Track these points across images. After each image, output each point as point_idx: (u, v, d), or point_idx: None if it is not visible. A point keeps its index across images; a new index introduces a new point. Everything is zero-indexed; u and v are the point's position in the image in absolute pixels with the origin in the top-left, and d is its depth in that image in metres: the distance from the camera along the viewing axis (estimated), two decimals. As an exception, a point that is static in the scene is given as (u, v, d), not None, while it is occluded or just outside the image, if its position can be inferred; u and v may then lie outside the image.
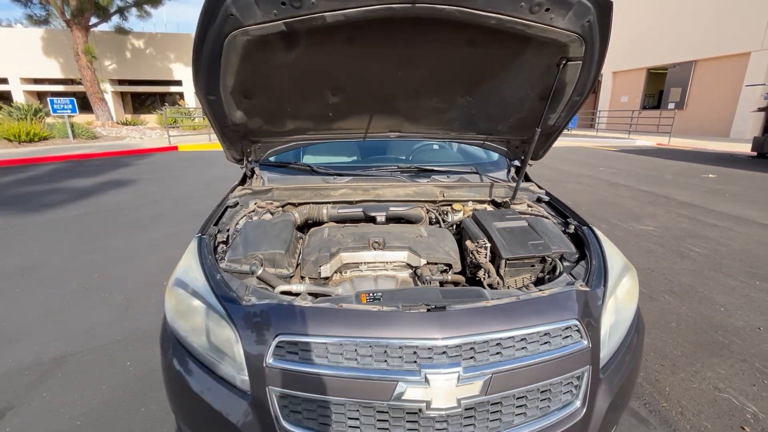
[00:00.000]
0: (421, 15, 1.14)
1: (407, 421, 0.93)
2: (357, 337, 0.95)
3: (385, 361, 0.94)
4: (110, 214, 4.79)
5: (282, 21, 1.12)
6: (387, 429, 0.93)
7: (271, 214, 1.73)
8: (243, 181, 2.00)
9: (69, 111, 11.49)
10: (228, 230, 1.54)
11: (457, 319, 0.97)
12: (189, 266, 1.23)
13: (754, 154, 10.02)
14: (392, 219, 1.78)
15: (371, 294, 1.10)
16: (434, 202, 1.89)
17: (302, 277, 1.43)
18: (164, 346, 1.18)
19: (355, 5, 1.09)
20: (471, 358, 0.95)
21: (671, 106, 16.84)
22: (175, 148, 11.44)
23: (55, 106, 11.33)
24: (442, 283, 1.42)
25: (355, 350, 0.94)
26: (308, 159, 2.22)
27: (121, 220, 4.56)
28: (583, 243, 1.45)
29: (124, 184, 6.61)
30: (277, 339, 0.96)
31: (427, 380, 0.91)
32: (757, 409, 1.72)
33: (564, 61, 1.36)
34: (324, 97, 1.57)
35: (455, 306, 1.00)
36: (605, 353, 1.11)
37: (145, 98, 27.94)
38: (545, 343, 1.01)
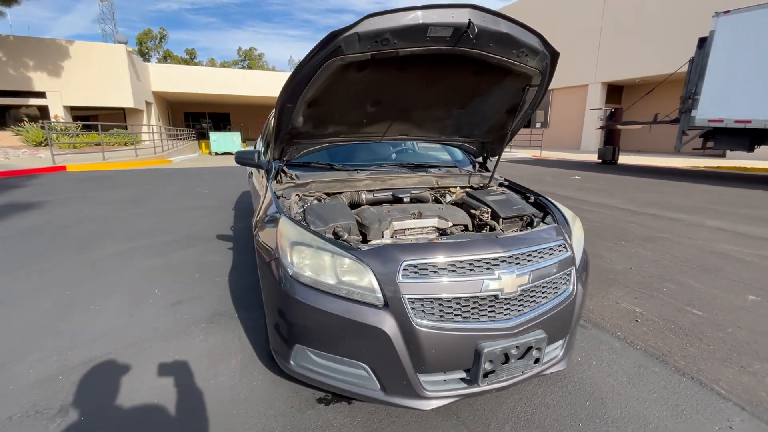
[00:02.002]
0: (454, 53, 1.74)
1: (488, 304, 1.48)
2: (454, 256, 1.48)
3: (472, 270, 1.48)
4: (36, 236, 4.26)
5: (369, 53, 1.61)
6: (477, 310, 1.47)
7: (318, 200, 2.12)
8: (275, 178, 2.32)
9: None
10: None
11: (507, 243, 1.58)
12: (301, 232, 1.60)
13: (600, 161, 13.07)
14: (410, 200, 2.32)
15: (441, 238, 1.64)
16: (432, 188, 2.49)
17: (367, 240, 1.88)
18: (293, 293, 1.51)
19: (419, 46, 1.65)
20: (519, 263, 1.55)
21: (538, 125, 20.64)
22: (63, 167, 9.97)
23: None
24: None
25: (454, 265, 1.47)
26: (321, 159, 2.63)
27: (55, 240, 4.11)
28: (539, 207, 2.20)
29: (26, 207, 5.73)
30: (404, 263, 1.44)
31: (499, 277, 1.48)
32: (641, 310, 2.69)
33: (528, 87, 2.09)
34: (364, 107, 2.06)
35: (503, 236, 1.61)
36: (577, 262, 1.83)
37: (-16, 112, 22.94)
38: (552, 254, 1.67)
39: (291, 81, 1.69)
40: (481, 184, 2.59)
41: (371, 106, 2.07)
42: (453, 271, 1.47)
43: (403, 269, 1.44)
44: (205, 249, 3.88)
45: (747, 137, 8.00)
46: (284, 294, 1.54)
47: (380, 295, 1.43)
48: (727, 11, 7.72)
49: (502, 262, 1.52)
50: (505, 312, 1.51)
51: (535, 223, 2.05)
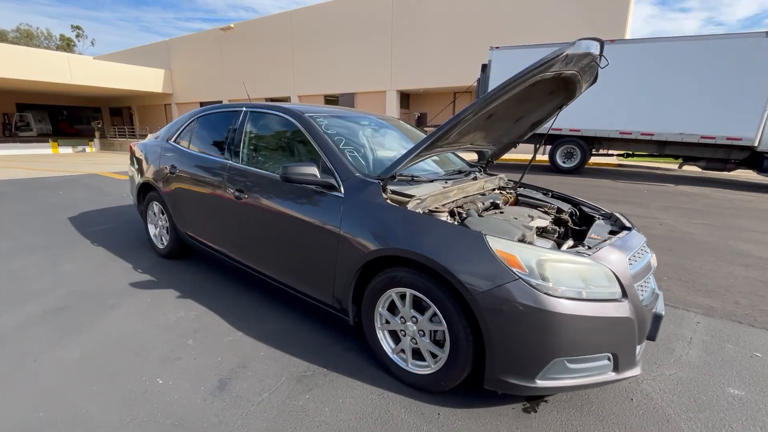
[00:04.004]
0: (567, 75, 2.04)
1: (649, 278, 1.93)
2: (634, 248, 1.85)
3: (642, 255, 1.89)
4: None
5: (557, 72, 1.73)
6: (642, 285, 1.88)
7: (451, 215, 2.01)
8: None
9: None
10: None
11: (638, 231, 2.06)
12: (536, 248, 1.62)
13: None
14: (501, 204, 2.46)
15: (596, 239, 1.98)
16: (482, 193, 2.70)
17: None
18: (554, 309, 1.51)
19: (569, 70, 1.88)
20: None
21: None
22: None
23: None
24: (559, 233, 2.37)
25: (636, 254, 1.84)
26: None
27: None
28: (560, 200, 2.80)
29: None
30: (627, 259, 1.70)
31: (651, 256, 1.95)
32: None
33: (562, 105, 2.60)
34: (482, 119, 2.08)
35: (631, 227, 2.09)
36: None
37: None
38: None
39: (499, 90, 1.59)
40: (501, 185, 2.98)
41: (487, 118, 2.11)
42: (638, 258, 1.84)
43: (628, 263, 1.70)
44: (138, 308, 2.67)
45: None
46: (542, 312, 1.52)
47: (620, 290, 1.65)
48: (498, 47, 10.75)
49: (646, 244, 2.00)
50: (649, 281, 1.99)
51: (569, 215, 2.61)
